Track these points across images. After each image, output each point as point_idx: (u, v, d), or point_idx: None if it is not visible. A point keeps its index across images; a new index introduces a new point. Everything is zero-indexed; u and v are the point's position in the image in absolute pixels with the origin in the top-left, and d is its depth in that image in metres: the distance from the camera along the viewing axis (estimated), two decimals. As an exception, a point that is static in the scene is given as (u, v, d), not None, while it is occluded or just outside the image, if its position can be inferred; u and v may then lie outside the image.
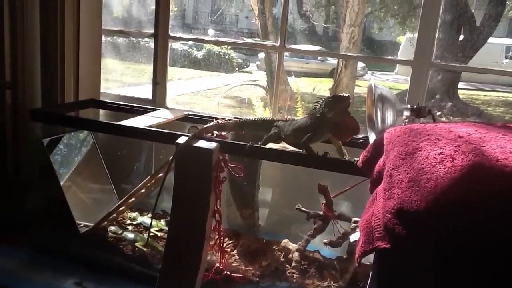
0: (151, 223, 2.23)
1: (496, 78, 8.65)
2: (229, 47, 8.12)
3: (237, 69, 8.75)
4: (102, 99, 2.82)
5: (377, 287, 1.26)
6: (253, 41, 6.05)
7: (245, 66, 9.18)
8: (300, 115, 4.35)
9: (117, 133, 2.30)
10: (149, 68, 2.96)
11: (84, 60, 2.70)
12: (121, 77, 5.56)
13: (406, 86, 2.59)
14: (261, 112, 5.13)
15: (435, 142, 1.22)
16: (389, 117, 1.81)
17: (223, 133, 2.09)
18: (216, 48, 8.22)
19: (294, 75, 6.82)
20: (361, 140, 2.08)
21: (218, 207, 1.98)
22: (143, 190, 2.36)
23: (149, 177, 2.35)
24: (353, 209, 2.36)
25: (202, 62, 8.21)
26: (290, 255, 2.26)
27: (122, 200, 2.40)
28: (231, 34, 9.00)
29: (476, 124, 1.39)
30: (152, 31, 2.87)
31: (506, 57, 8.29)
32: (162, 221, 2.55)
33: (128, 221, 2.58)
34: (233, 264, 2.24)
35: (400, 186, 1.16)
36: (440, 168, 1.11)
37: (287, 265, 2.23)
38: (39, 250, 2.44)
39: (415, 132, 1.33)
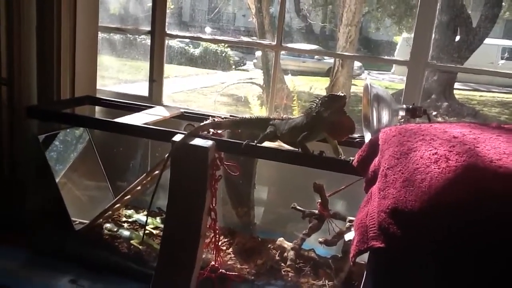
0: (146, 221, 2.23)
1: (491, 79, 8.68)
2: (226, 45, 8.11)
3: (234, 67, 8.75)
4: (98, 96, 2.82)
5: (371, 286, 1.27)
6: (250, 40, 6.05)
7: (242, 64, 9.17)
8: (296, 114, 4.36)
9: (113, 130, 2.30)
10: (146, 65, 2.96)
11: (80, 57, 2.69)
12: (118, 74, 5.55)
13: (402, 86, 2.59)
14: (258, 111, 5.13)
15: (430, 143, 1.23)
16: (385, 116, 1.81)
17: (219, 131, 2.09)
18: (213, 46, 8.22)
19: (291, 73, 6.80)
20: (357, 140, 2.09)
21: (213, 205, 1.98)
22: (139, 188, 2.36)
23: (144, 174, 2.35)
24: (348, 208, 2.36)
25: (198, 60, 8.20)
26: (285, 254, 2.27)
27: (117, 198, 2.39)
28: (228, 32, 8.99)
29: (471, 124, 1.40)
30: (148, 28, 2.87)
31: (502, 58, 8.33)
32: (158, 219, 2.55)
33: (124, 219, 2.58)
34: (229, 262, 2.24)
35: (394, 185, 1.16)
36: (434, 168, 1.12)
37: (282, 264, 2.24)
38: (35, 248, 2.43)
39: (410, 132, 1.33)
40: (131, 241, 2.35)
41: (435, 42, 2.76)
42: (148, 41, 2.90)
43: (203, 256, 2.08)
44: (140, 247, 2.32)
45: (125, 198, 2.38)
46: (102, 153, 2.75)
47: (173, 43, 7.46)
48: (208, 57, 8.26)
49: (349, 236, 2.02)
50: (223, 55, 8.31)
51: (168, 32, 2.87)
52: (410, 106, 1.91)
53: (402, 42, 7.70)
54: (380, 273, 1.22)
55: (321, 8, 8.66)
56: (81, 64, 2.70)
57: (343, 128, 1.85)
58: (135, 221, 2.56)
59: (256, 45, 6.28)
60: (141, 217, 2.58)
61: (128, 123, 2.21)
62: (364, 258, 1.29)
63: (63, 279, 2.24)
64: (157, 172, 2.23)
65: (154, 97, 2.90)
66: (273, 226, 2.63)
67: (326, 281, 2.13)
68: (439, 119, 6.70)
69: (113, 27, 3.27)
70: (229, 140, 2.09)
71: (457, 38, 6.64)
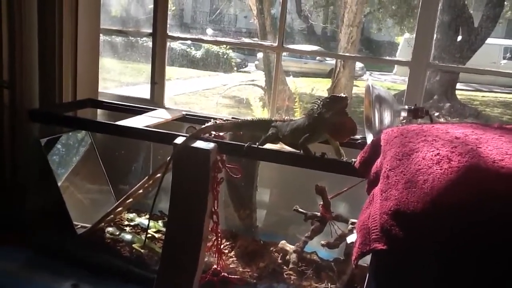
0: (148, 224, 2.23)
1: (494, 79, 8.65)
2: (228, 46, 8.12)
3: (235, 69, 8.74)
4: (100, 99, 2.82)
5: (374, 289, 1.26)
6: (251, 41, 6.05)
7: (244, 66, 9.17)
8: (298, 115, 4.35)
9: (115, 133, 2.30)
10: (147, 67, 2.96)
11: (82, 59, 2.69)
12: (119, 76, 5.55)
13: (404, 87, 2.58)
14: (260, 112, 5.13)
15: (432, 143, 1.22)
16: (387, 117, 1.81)
17: (221, 134, 2.08)
18: (214, 48, 8.22)
19: (293, 75, 6.81)
20: (359, 141, 2.08)
21: (215, 208, 1.98)
22: (141, 191, 2.35)
23: (147, 177, 2.35)
24: (350, 210, 2.35)
25: (200, 62, 8.21)
26: (287, 257, 2.26)
27: (119, 201, 2.39)
28: (229, 33, 9.00)
29: (473, 125, 1.39)
30: (150, 30, 2.87)
31: (504, 58, 8.30)
32: (160, 222, 2.55)
33: (126, 222, 2.57)
34: (231, 266, 2.24)
35: (397, 187, 1.16)
36: (436, 169, 1.11)
37: (285, 267, 2.23)
38: (37, 251, 2.43)
39: (412, 133, 1.33)
40: (133, 245, 2.35)
41: (436, 42, 2.75)
42: (150, 43, 2.90)
43: (205, 259, 2.08)
44: (142, 250, 2.32)
45: (127, 201, 2.37)
46: (104, 156, 2.75)
47: (175, 45, 7.46)
48: (209, 59, 8.27)
49: (351, 238, 2.01)
50: (225, 57, 8.32)
51: (169, 34, 2.87)
52: (412, 107, 1.90)
53: (404, 42, 7.69)
54: (383, 275, 1.21)
55: (322, 9, 8.66)
56: (82, 66, 2.71)
57: (345, 130, 1.84)
58: (137, 225, 2.56)
59: (257, 46, 6.29)
60: (143, 220, 2.58)
61: (130, 126, 2.21)
62: (366, 260, 1.29)
63: (65, 283, 2.24)
64: (159, 175, 2.23)
65: (156, 99, 2.90)
66: (275, 228, 2.62)
67: (329, 284, 2.13)
68: (441, 119, 6.69)
69: (114, 29, 3.28)
70: (231, 142, 2.09)
71: (459, 38, 6.62)
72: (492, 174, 1.07)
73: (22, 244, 2.45)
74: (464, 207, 1.04)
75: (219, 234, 2.07)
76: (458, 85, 7.74)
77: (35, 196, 2.49)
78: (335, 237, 2.15)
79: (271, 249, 2.35)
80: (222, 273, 2.12)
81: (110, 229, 2.44)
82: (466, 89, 8.69)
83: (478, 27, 6.54)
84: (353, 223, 2.08)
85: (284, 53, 2.93)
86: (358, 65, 7.99)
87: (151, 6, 2.85)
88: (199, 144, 1.91)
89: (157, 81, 2.89)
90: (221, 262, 2.13)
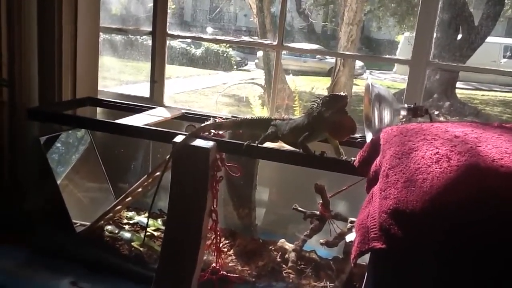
0: (147, 223, 2.23)
1: (494, 78, 8.64)
2: (228, 45, 8.11)
3: (235, 67, 8.74)
4: (99, 97, 2.82)
5: (372, 287, 1.26)
6: (251, 40, 6.05)
7: (244, 65, 9.17)
8: (298, 114, 4.35)
9: (115, 132, 2.30)
10: (147, 66, 2.96)
11: (81, 58, 2.69)
12: (119, 75, 5.56)
13: (404, 85, 2.58)
14: (259, 111, 5.13)
15: (431, 142, 1.22)
16: (386, 116, 1.81)
17: (221, 132, 2.08)
18: (214, 46, 8.22)
19: (292, 73, 6.80)
20: (358, 140, 2.08)
21: (214, 206, 1.98)
22: (140, 189, 2.36)
23: (146, 176, 2.35)
24: (350, 209, 2.35)
25: (200, 60, 8.21)
26: (286, 255, 2.26)
27: (119, 199, 2.40)
28: (229, 32, 9.00)
29: (473, 124, 1.39)
30: (150, 28, 2.87)
31: (504, 57, 8.29)
32: (159, 221, 2.55)
33: (125, 221, 2.57)
34: (230, 264, 2.23)
35: (396, 186, 1.15)
36: (436, 168, 1.11)
37: (284, 265, 2.23)
38: (36, 250, 2.43)
39: (412, 131, 1.32)
40: (132, 243, 2.34)
41: (436, 40, 2.75)
42: (150, 42, 2.90)
43: (204, 257, 2.08)
44: (141, 249, 2.32)
45: (127, 200, 2.38)
46: (103, 155, 2.75)
47: (175, 43, 7.46)
48: (209, 58, 8.26)
49: (350, 237, 2.01)
50: (225, 55, 8.32)
51: (169, 32, 2.86)
52: (412, 106, 1.90)
53: (404, 41, 7.67)
54: (381, 274, 1.21)
55: (322, 7, 8.65)
56: (82, 65, 2.71)
57: (344, 128, 1.84)
58: (136, 223, 2.56)
59: (257, 45, 6.28)
60: (142, 219, 2.58)
61: (129, 124, 2.21)
62: (365, 259, 1.29)
63: (64, 281, 2.24)
64: (158, 173, 2.23)
65: (156, 98, 2.90)
66: (274, 227, 2.63)
67: (328, 283, 2.13)
68: (441, 118, 6.69)
69: (114, 28, 3.27)
70: (230, 141, 2.09)
71: (459, 36, 6.62)
72: (491, 173, 1.07)
73: (21, 242, 2.45)
74: (463, 206, 1.04)
75: (218, 233, 2.07)
76: (458, 84, 7.74)
77: (34, 195, 2.49)
78: (334, 236, 2.15)
79: (270, 247, 2.35)
80: (221, 272, 2.12)
81: (109, 227, 2.44)
82: (466, 88, 8.69)
83: (478, 26, 6.53)
84: (352, 222, 2.08)
85: (284, 52, 2.92)
86: (358, 63, 7.98)
87: (151, 4, 2.85)
88: (199, 142, 1.91)
89: (156, 79, 2.89)
90: (220, 261, 2.13)
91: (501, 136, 1.23)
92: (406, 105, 1.91)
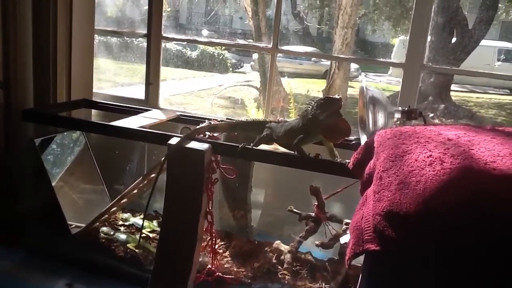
0: (143, 224, 2.23)
1: (488, 81, 8.70)
2: (223, 47, 8.12)
3: (231, 69, 8.75)
4: (94, 99, 2.82)
5: (367, 289, 1.27)
6: (246, 42, 6.06)
7: (239, 67, 9.17)
8: (293, 117, 4.36)
9: (109, 134, 2.29)
10: (142, 68, 2.96)
11: (76, 60, 2.69)
12: (114, 77, 5.55)
13: (399, 88, 2.60)
14: (255, 113, 5.13)
15: (425, 145, 1.23)
16: (381, 119, 1.82)
17: (216, 134, 2.09)
18: (210, 49, 8.22)
19: (288, 76, 6.82)
20: (353, 142, 2.09)
21: (210, 208, 1.98)
22: (135, 191, 2.35)
23: (141, 177, 2.34)
24: (345, 211, 2.36)
25: (195, 63, 8.21)
26: (282, 257, 2.27)
27: (114, 201, 2.39)
28: (224, 34, 9.00)
29: (466, 127, 1.40)
30: (145, 31, 2.87)
31: (498, 60, 8.35)
32: (154, 222, 2.55)
33: (120, 222, 2.57)
34: (225, 266, 2.24)
35: (389, 188, 1.16)
36: (429, 170, 1.12)
37: (279, 267, 2.23)
38: (31, 251, 2.43)
39: (405, 134, 1.33)
40: (128, 245, 2.34)
41: (431, 44, 2.78)
42: (145, 44, 2.90)
43: (200, 259, 2.08)
44: (137, 250, 2.31)
45: (122, 201, 2.37)
46: (98, 157, 2.75)
47: (170, 45, 7.47)
48: (205, 60, 8.26)
49: (345, 239, 2.02)
50: (220, 57, 8.32)
51: (164, 35, 2.87)
52: (406, 108, 1.91)
53: (399, 44, 7.71)
54: (375, 276, 1.22)
55: (317, 10, 8.68)
56: (77, 67, 2.70)
57: (339, 131, 1.84)
58: (131, 225, 2.56)
59: (252, 47, 6.30)
60: (138, 220, 2.58)
61: (125, 126, 2.21)
62: (360, 260, 1.30)
63: (59, 282, 2.23)
64: (153, 175, 2.23)
65: (151, 100, 2.90)
66: (270, 229, 2.63)
67: (323, 284, 2.14)
68: (436, 120, 6.72)
69: (109, 30, 3.28)
70: (226, 143, 2.09)
71: (453, 40, 6.66)
72: (484, 176, 1.08)
73: (16, 244, 2.44)
74: (456, 208, 1.05)
75: (214, 234, 2.08)
76: (453, 87, 7.78)
77: (29, 196, 2.48)
78: (329, 237, 2.16)
79: (266, 249, 2.35)
80: (217, 273, 2.12)
81: (104, 229, 2.44)
82: (461, 91, 8.73)
83: (472, 29, 6.57)
84: (347, 224, 2.08)
85: (279, 54, 2.93)
86: (353, 66, 8.02)
87: (146, 7, 2.85)
88: (194, 144, 1.91)
89: (152, 81, 2.90)
90: (215, 262, 2.13)
91: (494, 139, 1.25)
92: (400, 108, 1.92)
